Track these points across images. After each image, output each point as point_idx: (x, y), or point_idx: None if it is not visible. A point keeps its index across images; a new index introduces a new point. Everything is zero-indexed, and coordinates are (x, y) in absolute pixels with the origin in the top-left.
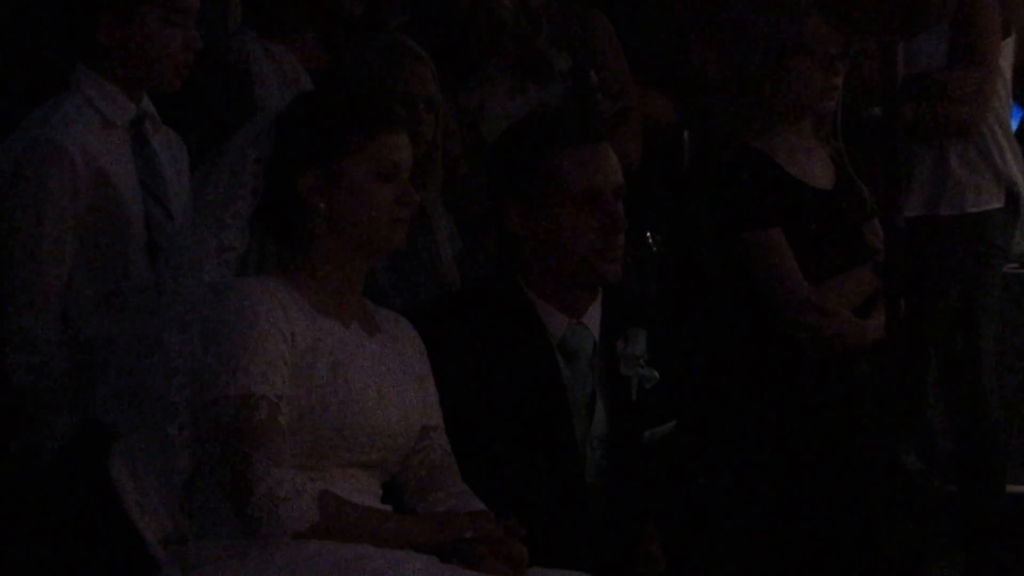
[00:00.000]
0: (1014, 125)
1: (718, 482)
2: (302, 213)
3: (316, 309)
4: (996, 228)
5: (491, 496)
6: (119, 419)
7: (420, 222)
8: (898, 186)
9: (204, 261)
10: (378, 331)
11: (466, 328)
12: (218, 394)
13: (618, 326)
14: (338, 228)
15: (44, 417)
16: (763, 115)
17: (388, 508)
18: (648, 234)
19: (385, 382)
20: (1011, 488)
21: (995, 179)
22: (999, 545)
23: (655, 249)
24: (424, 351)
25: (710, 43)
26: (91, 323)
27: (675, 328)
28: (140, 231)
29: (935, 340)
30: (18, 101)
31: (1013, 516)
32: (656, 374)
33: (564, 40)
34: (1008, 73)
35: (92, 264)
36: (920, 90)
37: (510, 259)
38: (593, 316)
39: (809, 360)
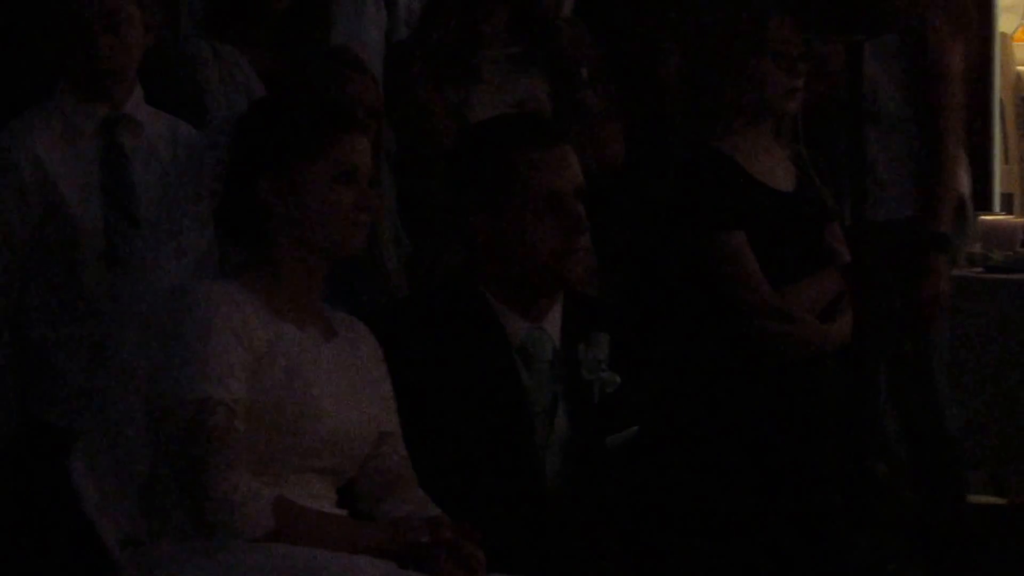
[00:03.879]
0: None
1: (681, 489)
2: (261, 216)
3: (273, 312)
4: None
5: (450, 501)
6: (77, 421)
7: None
8: (863, 187)
9: (162, 263)
10: (335, 335)
11: (425, 332)
12: (175, 398)
13: (580, 330)
14: (297, 231)
15: None
16: (724, 116)
17: (344, 513)
18: None
19: (342, 387)
20: (973, 499)
21: None
22: (960, 557)
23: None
24: (381, 356)
25: (671, 43)
26: (40, 327)
27: (638, 332)
28: (95, 238)
29: (884, 346)
30: None
31: (975, 528)
32: (617, 378)
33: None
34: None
35: (42, 269)
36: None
37: (470, 262)
38: (553, 321)
39: (772, 365)
